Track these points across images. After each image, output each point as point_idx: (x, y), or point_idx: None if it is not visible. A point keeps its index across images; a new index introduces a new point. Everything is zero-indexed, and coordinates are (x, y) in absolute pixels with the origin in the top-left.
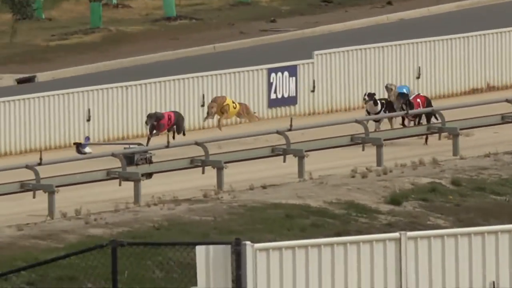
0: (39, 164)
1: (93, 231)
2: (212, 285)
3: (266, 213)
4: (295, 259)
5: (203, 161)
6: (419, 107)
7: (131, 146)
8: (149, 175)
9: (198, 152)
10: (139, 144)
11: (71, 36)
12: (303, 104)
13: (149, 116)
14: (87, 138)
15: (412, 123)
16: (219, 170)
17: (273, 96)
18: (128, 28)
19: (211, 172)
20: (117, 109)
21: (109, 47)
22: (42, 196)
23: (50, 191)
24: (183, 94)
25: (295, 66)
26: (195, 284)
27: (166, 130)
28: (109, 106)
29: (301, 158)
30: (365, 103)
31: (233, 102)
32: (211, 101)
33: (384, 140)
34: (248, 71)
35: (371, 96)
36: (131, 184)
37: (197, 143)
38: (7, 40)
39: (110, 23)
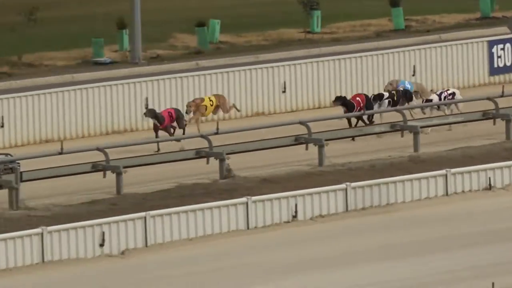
0: None
1: None
2: None
3: None
4: None
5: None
6: (360, 105)
7: None
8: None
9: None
10: (7, 154)
11: None
12: None
13: (148, 111)
14: None
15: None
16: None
17: None
18: None
19: None
20: None
21: None
22: None
23: None
24: None
25: None
26: None
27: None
28: None
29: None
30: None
31: (210, 100)
32: (191, 101)
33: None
34: None
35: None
36: None
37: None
38: None
39: None
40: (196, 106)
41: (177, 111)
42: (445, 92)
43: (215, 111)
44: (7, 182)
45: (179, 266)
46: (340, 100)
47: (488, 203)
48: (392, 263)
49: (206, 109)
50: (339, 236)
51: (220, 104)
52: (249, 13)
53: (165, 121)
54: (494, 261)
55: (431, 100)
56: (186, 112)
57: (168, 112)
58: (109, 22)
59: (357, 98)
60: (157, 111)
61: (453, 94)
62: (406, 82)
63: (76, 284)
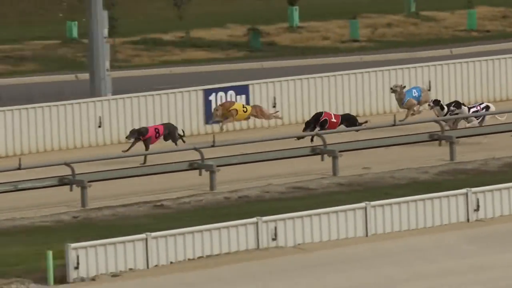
0: None
1: None
2: None
3: None
4: None
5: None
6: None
7: None
8: None
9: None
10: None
11: None
12: None
13: (131, 132)
14: None
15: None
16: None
17: None
18: None
19: None
20: None
21: None
22: None
23: None
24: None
25: None
26: None
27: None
28: None
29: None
30: (431, 109)
31: (243, 106)
32: (218, 105)
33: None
34: None
35: (436, 102)
36: None
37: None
38: None
39: None
40: (225, 108)
41: (166, 125)
42: (478, 106)
43: (247, 119)
44: None
45: None
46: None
47: None
48: None
49: (237, 113)
50: None
51: (258, 114)
52: None
53: (147, 135)
54: None
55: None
56: (213, 116)
57: (155, 128)
58: None
59: (328, 116)
60: None
61: (487, 107)
62: (414, 90)
63: None
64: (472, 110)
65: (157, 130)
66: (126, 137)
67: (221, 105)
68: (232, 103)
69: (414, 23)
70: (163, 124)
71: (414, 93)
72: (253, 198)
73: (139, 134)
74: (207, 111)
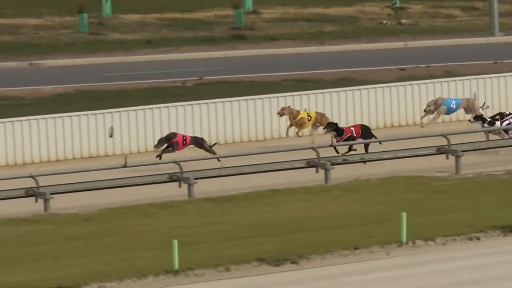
0: None
1: None
2: None
3: None
4: None
5: None
6: (351, 134)
7: None
8: None
9: None
10: None
11: None
12: None
13: (159, 141)
14: None
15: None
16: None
17: None
18: None
19: None
20: None
21: None
22: None
23: None
24: None
25: None
26: None
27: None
28: None
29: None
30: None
31: (308, 115)
32: (287, 106)
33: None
34: None
35: (478, 117)
36: None
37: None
38: None
39: None
40: (290, 112)
41: (194, 139)
42: (510, 119)
43: (313, 127)
44: None
45: None
46: (332, 126)
47: None
48: None
49: (304, 122)
50: None
51: (322, 122)
52: None
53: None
54: None
55: (480, 117)
56: (278, 113)
57: (183, 137)
58: None
59: (351, 128)
60: None
61: None
62: (453, 100)
63: None
64: (504, 123)
65: (185, 138)
66: (155, 146)
67: (289, 107)
68: (298, 112)
69: None
70: (191, 136)
71: (453, 104)
72: None
73: (167, 140)
74: None
